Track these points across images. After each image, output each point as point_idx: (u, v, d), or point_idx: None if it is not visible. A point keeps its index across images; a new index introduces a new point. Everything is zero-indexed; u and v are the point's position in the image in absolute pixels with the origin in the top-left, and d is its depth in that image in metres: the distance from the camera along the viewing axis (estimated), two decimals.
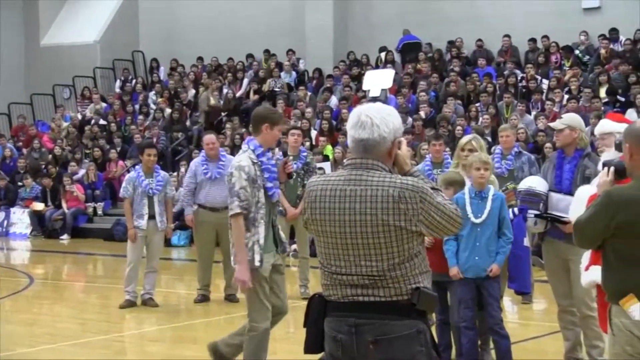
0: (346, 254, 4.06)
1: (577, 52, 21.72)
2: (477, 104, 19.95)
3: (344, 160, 4.26)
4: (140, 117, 24.49)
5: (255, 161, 7.03)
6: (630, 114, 17.07)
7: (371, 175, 4.05)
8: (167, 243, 15.62)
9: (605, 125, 7.09)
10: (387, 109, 4.16)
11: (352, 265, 4.05)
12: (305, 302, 4.29)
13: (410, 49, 23.94)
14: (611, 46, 21.21)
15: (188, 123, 24.07)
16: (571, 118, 7.83)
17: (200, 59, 26.68)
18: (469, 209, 7.45)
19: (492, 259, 7.43)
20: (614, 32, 21.45)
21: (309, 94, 23.32)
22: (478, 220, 7.43)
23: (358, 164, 4.10)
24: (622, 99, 18.81)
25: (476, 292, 7.48)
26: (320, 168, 16.16)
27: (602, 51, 21.03)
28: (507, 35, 22.62)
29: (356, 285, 4.04)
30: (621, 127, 6.72)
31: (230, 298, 11.88)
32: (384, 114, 4.11)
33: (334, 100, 22.47)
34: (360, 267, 4.03)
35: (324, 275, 4.16)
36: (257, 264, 6.93)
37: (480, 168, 7.46)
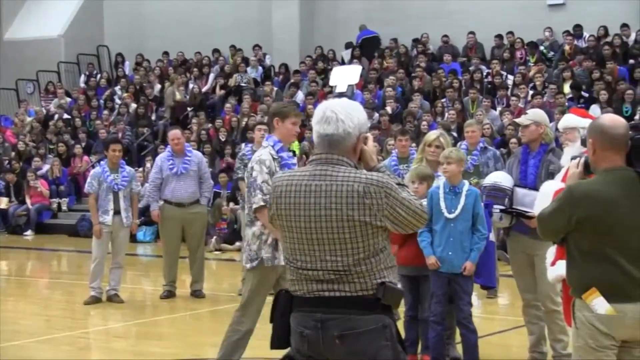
0: (312, 249, 4.06)
1: (541, 48, 21.87)
2: (443, 100, 20.03)
3: (310, 156, 4.26)
4: (105, 112, 24.35)
5: (275, 157, 7.02)
6: (594, 109, 17.21)
7: (336, 170, 4.06)
8: (133, 239, 15.55)
9: (569, 120, 7.14)
10: (352, 105, 4.17)
11: (318, 261, 4.05)
12: (271, 298, 4.29)
13: (369, 44, 24.00)
14: (575, 42, 21.38)
15: (154, 118, 23.97)
16: (536, 114, 7.88)
17: (165, 53, 26.56)
18: (442, 204, 7.46)
19: (466, 255, 7.43)
20: (578, 28, 21.62)
21: (276, 89, 23.28)
22: (451, 216, 7.44)
23: (323, 159, 4.10)
24: (586, 95, 18.97)
25: (448, 287, 7.50)
26: None
27: (567, 47, 21.19)
28: (472, 32, 22.72)
29: (322, 280, 4.04)
30: (585, 122, 6.78)
31: (197, 294, 11.85)
32: (349, 109, 4.11)
33: (300, 96, 22.47)
34: (326, 262, 4.03)
35: (290, 270, 4.16)
36: (281, 262, 6.86)
37: (443, 162, 7.49)
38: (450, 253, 7.43)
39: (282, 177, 4.18)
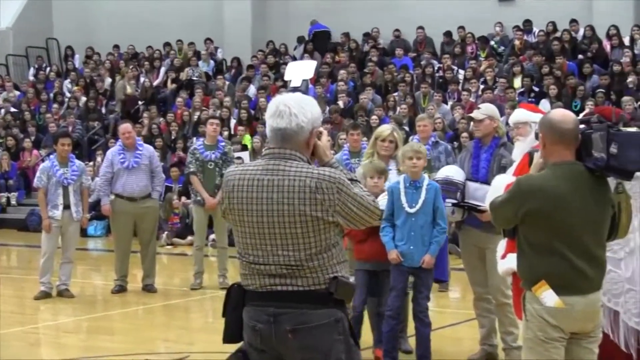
0: (264, 243, 4.06)
1: (492, 43, 22.03)
2: (395, 94, 20.09)
3: (263, 150, 4.24)
4: (55, 105, 24.08)
5: None
6: (544, 104, 17.39)
7: (289, 165, 4.05)
8: (83, 233, 15.42)
9: (520, 115, 7.19)
10: (306, 99, 4.17)
11: (270, 255, 4.05)
12: (224, 292, 4.28)
13: (320, 38, 24.04)
14: (525, 37, 21.56)
15: (104, 112, 23.77)
16: (489, 108, 7.94)
17: (116, 47, 26.33)
18: (403, 198, 7.48)
19: (427, 248, 7.45)
20: (527, 23, 21.81)
21: (228, 83, 23.21)
22: (412, 210, 7.45)
23: (276, 153, 4.10)
24: (536, 89, 19.14)
25: (408, 282, 7.52)
26: (239, 157, 16.11)
27: (517, 42, 21.36)
28: (422, 27, 22.83)
29: (274, 275, 4.04)
30: (536, 116, 6.84)
31: (148, 288, 11.80)
32: (302, 103, 4.11)
33: (252, 90, 22.42)
34: (278, 256, 4.03)
35: (242, 265, 4.15)
36: None
37: (412, 157, 7.48)
38: (411, 247, 7.45)
39: (235, 171, 4.17)
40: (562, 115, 4.91)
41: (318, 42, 23.95)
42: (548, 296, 4.76)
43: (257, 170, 4.09)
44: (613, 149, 4.69)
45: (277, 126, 4.08)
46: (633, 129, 4.84)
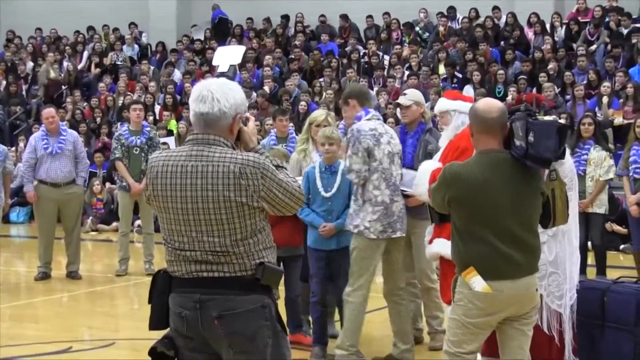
0: (189, 230, 4.05)
1: (417, 29, 22.20)
2: (321, 80, 20.13)
3: (188, 135, 4.23)
4: None
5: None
6: (468, 90, 17.60)
7: (212, 150, 4.04)
8: (6, 220, 15.19)
9: (440, 104, 7.24)
10: (229, 84, 4.16)
11: (195, 242, 4.04)
12: (149, 279, 4.26)
13: (220, 26, 24.06)
14: (449, 24, 21.77)
15: (26, 96, 23.39)
16: (415, 94, 8.01)
17: (39, 30, 25.91)
18: (319, 183, 7.51)
19: (344, 233, 7.44)
20: (451, 10, 22.02)
21: (152, 67, 23.02)
22: (328, 194, 7.49)
23: (200, 139, 4.08)
24: (460, 76, 19.36)
25: (327, 266, 7.55)
26: (165, 143, 16.01)
27: (441, 29, 21.57)
28: (345, 15, 22.86)
29: (200, 261, 4.04)
30: (456, 104, 6.93)
31: (73, 275, 11.69)
32: (225, 88, 4.10)
33: (177, 75, 22.27)
34: (203, 242, 4.03)
35: (167, 251, 4.14)
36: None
37: (324, 143, 7.51)
38: None
39: (159, 157, 4.15)
40: (487, 105, 5.00)
41: (218, 30, 23.94)
42: (476, 281, 4.86)
43: (180, 157, 4.07)
44: (531, 138, 4.78)
45: (200, 111, 4.07)
46: (550, 118, 4.94)
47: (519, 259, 4.86)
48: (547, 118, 4.96)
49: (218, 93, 4.06)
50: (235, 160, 4.01)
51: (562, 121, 4.98)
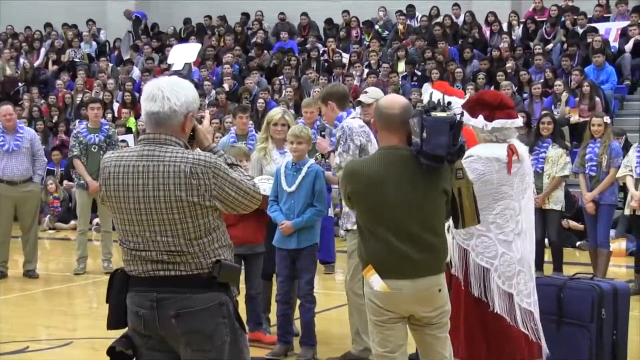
0: (142, 230, 4.03)
1: (376, 27, 22.27)
2: (280, 77, 20.13)
3: (140, 135, 4.20)
4: None
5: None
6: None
7: (164, 150, 4.02)
8: None
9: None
10: (181, 82, 4.12)
11: (149, 241, 4.03)
12: (108, 277, 4.25)
13: (138, 24, 24.11)
14: (408, 22, 21.87)
15: None
16: (376, 92, 8.02)
17: None
18: (283, 180, 7.53)
19: (308, 231, 7.46)
20: (410, 8, 22.12)
21: (111, 65, 22.90)
22: (290, 190, 7.49)
23: (151, 139, 4.06)
24: (419, 74, 19.46)
25: (291, 265, 7.55)
26: (123, 141, 15.93)
27: (400, 27, 21.66)
28: (305, 13, 22.88)
29: (155, 260, 4.02)
30: (450, 100, 6.93)
31: (30, 274, 11.60)
32: (176, 87, 4.07)
33: (136, 72, 22.16)
34: (157, 242, 4.01)
35: (123, 251, 4.12)
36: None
37: (293, 142, 7.52)
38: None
39: (111, 157, 4.12)
40: (389, 101, 4.99)
41: (136, 25, 24.05)
42: (375, 280, 4.79)
43: (132, 157, 4.05)
44: (424, 134, 4.68)
45: (151, 110, 4.04)
46: (442, 114, 4.81)
47: (417, 258, 4.75)
48: (441, 114, 4.79)
49: (168, 91, 4.03)
50: (187, 159, 3.99)
51: (458, 117, 4.87)
